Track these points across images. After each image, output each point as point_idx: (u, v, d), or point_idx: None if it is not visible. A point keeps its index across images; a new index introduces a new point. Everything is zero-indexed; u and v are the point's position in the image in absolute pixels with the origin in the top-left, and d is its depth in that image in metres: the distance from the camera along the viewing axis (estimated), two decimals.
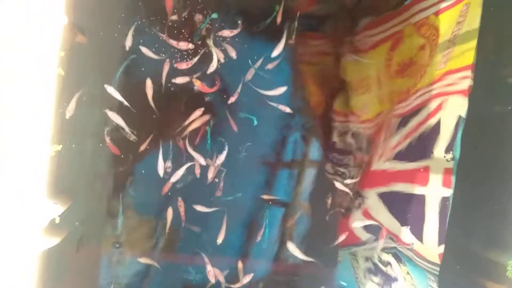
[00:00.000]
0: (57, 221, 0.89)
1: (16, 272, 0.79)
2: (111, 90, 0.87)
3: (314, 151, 1.04)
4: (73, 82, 0.86)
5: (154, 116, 0.95)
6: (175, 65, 0.95)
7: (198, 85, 0.96)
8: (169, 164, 0.98)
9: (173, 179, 0.98)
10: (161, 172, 0.97)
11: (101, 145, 0.93)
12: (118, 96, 0.88)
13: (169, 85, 0.96)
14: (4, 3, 0.72)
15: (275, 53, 0.98)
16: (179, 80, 0.97)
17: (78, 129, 0.90)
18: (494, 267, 0.91)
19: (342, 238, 1.04)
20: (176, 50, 0.96)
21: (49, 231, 0.87)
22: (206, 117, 0.99)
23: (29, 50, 0.77)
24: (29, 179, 0.80)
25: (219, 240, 0.98)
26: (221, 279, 0.98)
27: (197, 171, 0.99)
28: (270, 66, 0.99)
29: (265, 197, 1.01)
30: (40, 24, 0.77)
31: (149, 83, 0.94)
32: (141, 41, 0.94)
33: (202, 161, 0.99)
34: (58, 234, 0.89)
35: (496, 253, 0.93)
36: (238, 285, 0.98)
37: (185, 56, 0.97)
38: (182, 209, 0.97)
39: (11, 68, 0.75)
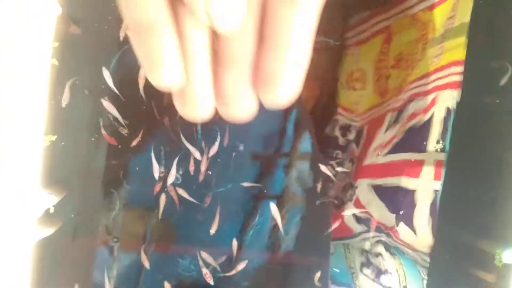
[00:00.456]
0: (52, 211, 0.89)
1: (11, 262, 0.80)
2: (107, 75, 0.87)
3: (306, 144, 1.04)
4: (67, 72, 0.86)
5: (144, 107, 0.95)
6: None
7: None
8: (162, 169, 0.98)
9: (169, 180, 0.98)
10: (156, 174, 0.98)
11: (96, 135, 0.93)
12: (110, 82, 0.88)
13: None
14: None
15: None
16: None
17: (73, 119, 0.90)
18: (483, 256, 0.93)
19: (335, 225, 1.05)
20: None
21: (44, 221, 0.87)
22: None
23: (22, 40, 0.77)
24: (23, 169, 0.80)
25: (212, 230, 0.99)
26: (216, 266, 0.99)
27: (191, 168, 0.99)
28: None
29: (257, 189, 1.02)
30: (33, 14, 0.77)
31: (142, 73, 0.94)
32: None
33: (197, 155, 0.99)
34: (52, 224, 0.90)
35: (485, 242, 0.95)
36: (234, 271, 0.99)
37: None
38: (174, 194, 0.97)
39: (4, 59, 0.75)
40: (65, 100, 0.85)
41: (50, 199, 0.85)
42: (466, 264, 0.99)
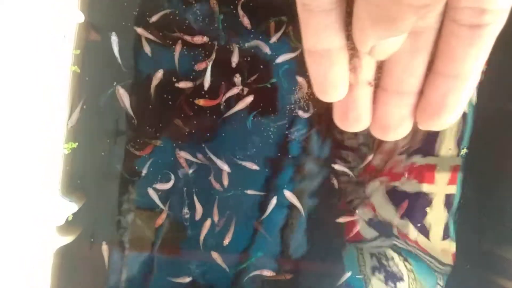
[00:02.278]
0: (70, 218, 0.89)
1: (32, 270, 0.80)
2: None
3: (319, 147, 1.04)
4: (89, 79, 0.86)
5: (150, 106, 0.94)
6: (195, 67, 0.95)
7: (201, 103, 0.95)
8: (186, 210, 0.98)
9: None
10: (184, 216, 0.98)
11: (114, 144, 0.93)
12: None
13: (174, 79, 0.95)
14: (19, 1, 0.73)
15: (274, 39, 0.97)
16: (182, 84, 0.95)
17: (93, 126, 0.90)
18: (505, 264, 0.92)
19: (352, 232, 1.04)
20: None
21: (63, 228, 0.87)
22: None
23: (44, 48, 0.78)
24: (45, 177, 0.80)
25: (226, 241, 0.98)
26: (228, 270, 0.99)
27: (216, 184, 0.98)
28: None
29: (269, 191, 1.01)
30: (55, 22, 0.77)
31: (159, 74, 0.93)
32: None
33: (226, 167, 0.98)
34: (72, 231, 0.89)
35: (507, 249, 0.94)
36: (258, 272, 0.99)
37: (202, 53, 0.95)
38: (183, 160, 0.95)
39: (26, 66, 0.76)
40: (82, 109, 0.85)
41: (71, 207, 0.85)
42: (487, 271, 0.98)
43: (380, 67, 0.22)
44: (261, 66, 0.97)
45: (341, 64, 0.20)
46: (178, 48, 0.93)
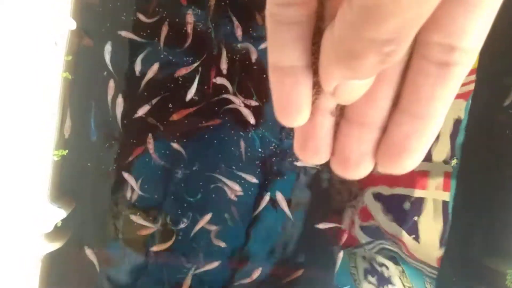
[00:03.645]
0: (59, 224, 0.89)
1: (19, 276, 0.79)
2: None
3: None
4: (81, 86, 0.86)
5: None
6: (175, 74, 0.95)
7: None
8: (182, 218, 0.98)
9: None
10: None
11: (107, 145, 0.92)
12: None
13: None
14: (11, 7, 0.72)
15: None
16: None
17: (84, 133, 0.90)
18: (494, 275, 0.92)
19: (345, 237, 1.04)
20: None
21: (52, 234, 0.87)
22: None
23: (36, 54, 0.77)
24: (33, 183, 0.80)
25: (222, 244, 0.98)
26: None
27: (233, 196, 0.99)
28: None
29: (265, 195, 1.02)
30: (47, 28, 0.77)
31: (155, 67, 0.93)
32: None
33: (254, 179, 0.99)
34: (60, 237, 0.89)
35: (496, 261, 0.94)
36: (248, 280, 0.99)
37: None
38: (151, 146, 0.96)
39: (18, 72, 0.75)
40: (74, 116, 0.85)
41: (60, 213, 0.84)
42: (475, 281, 0.98)
43: None
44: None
45: (305, 85, 0.20)
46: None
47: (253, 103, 0.98)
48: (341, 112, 0.21)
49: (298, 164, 1.02)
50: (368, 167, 0.21)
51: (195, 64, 0.95)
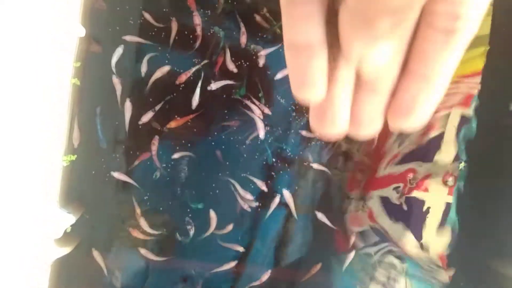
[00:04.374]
0: (69, 230, 0.89)
1: (30, 281, 0.80)
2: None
3: (317, 153, 1.04)
4: (89, 92, 0.86)
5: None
6: (176, 82, 0.96)
7: None
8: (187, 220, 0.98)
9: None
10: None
11: (114, 150, 0.93)
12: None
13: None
14: (20, 15, 0.73)
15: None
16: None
17: (92, 138, 0.90)
18: (502, 279, 0.92)
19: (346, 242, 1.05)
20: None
21: (61, 240, 0.87)
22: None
23: (45, 60, 0.78)
24: (43, 189, 0.80)
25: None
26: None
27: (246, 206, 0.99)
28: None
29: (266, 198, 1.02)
30: (56, 35, 0.78)
31: (163, 70, 0.94)
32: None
33: (264, 187, 0.99)
34: (70, 242, 0.90)
35: (504, 264, 0.94)
36: (258, 282, 0.99)
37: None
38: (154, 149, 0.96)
39: (26, 78, 0.76)
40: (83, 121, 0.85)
41: (70, 218, 0.85)
42: (483, 287, 0.98)
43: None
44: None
45: (321, 59, 0.20)
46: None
47: (262, 106, 0.98)
48: (357, 84, 0.22)
49: (309, 165, 1.03)
50: (378, 126, 0.23)
51: (195, 68, 0.96)
